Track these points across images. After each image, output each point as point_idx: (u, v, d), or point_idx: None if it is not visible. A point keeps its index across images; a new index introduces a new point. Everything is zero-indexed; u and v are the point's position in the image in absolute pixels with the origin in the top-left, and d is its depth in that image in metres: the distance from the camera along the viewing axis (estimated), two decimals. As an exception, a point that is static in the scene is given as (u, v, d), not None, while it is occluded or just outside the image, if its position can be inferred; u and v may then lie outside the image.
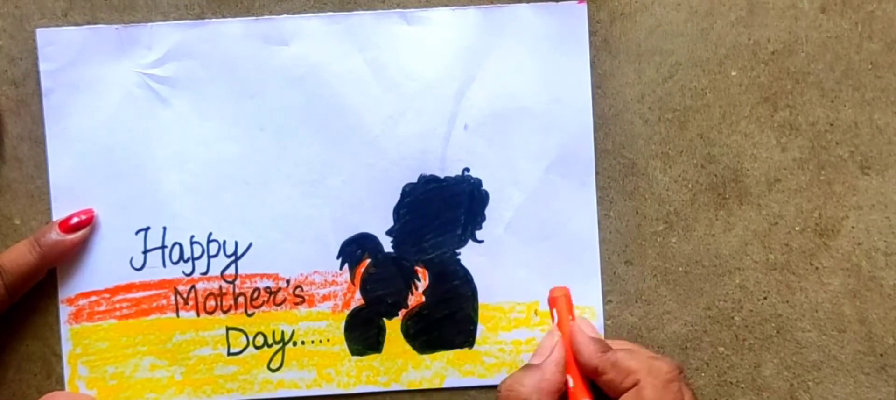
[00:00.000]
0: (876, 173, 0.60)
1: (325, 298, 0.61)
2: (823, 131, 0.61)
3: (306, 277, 0.60)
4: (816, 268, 0.61)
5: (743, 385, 0.61)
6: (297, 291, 0.61)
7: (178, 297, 0.60)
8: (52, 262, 0.59)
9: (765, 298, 0.61)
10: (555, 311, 0.59)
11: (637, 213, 0.61)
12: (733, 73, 0.61)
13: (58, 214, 0.60)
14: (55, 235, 0.58)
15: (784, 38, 0.61)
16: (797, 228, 0.61)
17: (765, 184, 0.61)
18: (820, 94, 0.60)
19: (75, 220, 0.59)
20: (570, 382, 0.56)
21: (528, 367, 0.56)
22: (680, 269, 0.61)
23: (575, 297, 0.60)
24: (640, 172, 0.61)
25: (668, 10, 0.61)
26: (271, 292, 0.61)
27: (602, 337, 0.58)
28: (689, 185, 0.61)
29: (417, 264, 0.61)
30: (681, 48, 0.61)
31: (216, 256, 0.60)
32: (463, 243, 0.61)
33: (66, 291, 0.60)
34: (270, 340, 0.61)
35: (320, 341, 0.61)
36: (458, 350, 0.61)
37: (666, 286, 0.61)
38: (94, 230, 0.60)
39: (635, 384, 0.53)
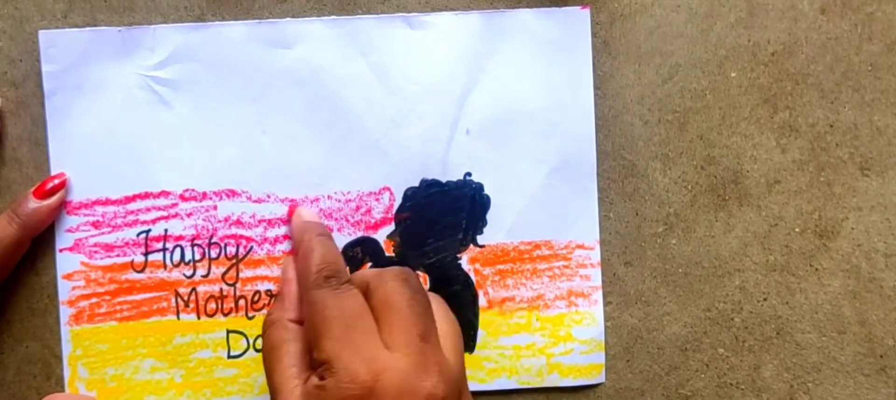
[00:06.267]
0: (876, 175, 0.61)
1: (326, 301, 0.61)
2: (823, 133, 0.61)
3: (307, 280, 0.61)
4: (816, 269, 0.61)
5: (743, 387, 0.61)
6: (299, 294, 0.61)
7: (179, 299, 0.60)
8: (33, 230, 0.59)
9: (765, 300, 0.61)
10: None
11: (637, 214, 0.61)
12: (733, 75, 0.61)
13: (58, 215, 0.60)
14: (32, 203, 0.58)
15: (784, 39, 0.61)
16: (797, 230, 0.61)
17: (764, 185, 0.61)
18: (820, 95, 0.61)
19: (50, 185, 0.59)
20: None
21: (276, 296, 0.57)
22: (680, 270, 0.61)
23: (575, 300, 0.61)
24: (639, 174, 0.61)
25: (668, 11, 0.61)
26: (272, 295, 0.60)
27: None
28: (689, 187, 0.61)
29: (418, 269, 0.61)
30: (680, 50, 0.61)
31: (217, 258, 0.60)
32: (464, 248, 0.61)
33: (67, 293, 0.60)
34: (271, 343, 0.61)
35: (321, 344, 0.61)
36: (458, 354, 0.61)
37: (666, 288, 0.61)
38: (95, 227, 0.60)
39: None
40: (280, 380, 0.51)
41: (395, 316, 0.50)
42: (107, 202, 0.60)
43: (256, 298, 0.60)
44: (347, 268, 0.55)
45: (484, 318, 0.61)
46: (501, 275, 0.61)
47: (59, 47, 0.59)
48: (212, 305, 0.60)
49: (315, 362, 0.49)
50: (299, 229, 0.58)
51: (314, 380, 0.48)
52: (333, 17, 0.60)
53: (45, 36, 0.59)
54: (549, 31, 0.60)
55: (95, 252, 0.60)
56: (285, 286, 0.56)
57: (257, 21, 0.60)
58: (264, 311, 0.60)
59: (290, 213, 0.60)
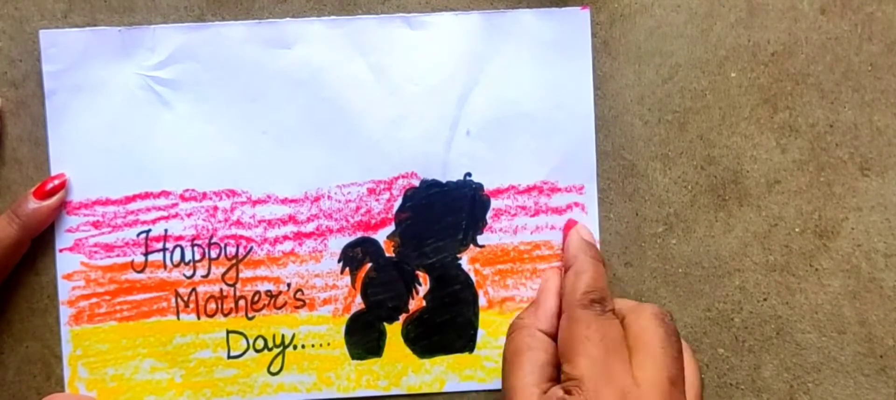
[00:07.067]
0: (875, 175, 0.61)
1: (325, 301, 0.60)
2: (823, 133, 0.61)
3: (307, 281, 0.60)
4: (816, 269, 0.61)
5: (743, 387, 0.61)
6: (298, 295, 0.60)
7: (179, 299, 0.60)
8: (33, 231, 0.59)
9: (764, 300, 0.61)
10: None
11: (637, 214, 0.61)
12: (733, 75, 0.61)
13: (58, 215, 0.60)
14: (32, 203, 0.59)
15: (784, 39, 0.61)
16: (797, 230, 0.61)
17: (764, 185, 0.61)
18: (820, 95, 0.61)
19: (50, 185, 0.59)
20: None
21: (532, 302, 0.58)
22: (680, 270, 0.61)
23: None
24: (639, 174, 0.61)
25: (668, 11, 0.61)
26: (272, 296, 0.60)
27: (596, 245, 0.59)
28: (689, 187, 0.61)
29: (418, 269, 0.61)
30: (680, 50, 0.61)
31: (217, 258, 0.60)
32: (464, 248, 0.61)
33: (67, 293, 0.60)
34: (270, 344, 0.61)
35: (320, 345, 0.61)
36: (458, 355, 0.61)
37: (666, 288, 0.61)
38: (96, 227, 0.60)
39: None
40: (518, 384, 0.52)
41: (648, 354, 0.50)
42: (107, 202, 0.60)
43: (256, 298, 0.60)
44: (612, 297, 0.55)
45: (484, 318, 0.61)
46: (501, 275, 0.61)
47: (59, 47, 0.59)
48: (212, 306, 0.60)
49: (564, 377, 0.50)
50: (575, 247, 0.58)
51: (558, 392, 0.49)
52: (333, 17, 0.60)
53: (45, 36, 0.59)
54: (549, 32, 0.60)
55: (95, 252, 0.60)
56: (543, 296, 0.57)
57: (257, 21, 0.60)
58: (264, 311, 0.60)
59: (567, 228, 0.60)
